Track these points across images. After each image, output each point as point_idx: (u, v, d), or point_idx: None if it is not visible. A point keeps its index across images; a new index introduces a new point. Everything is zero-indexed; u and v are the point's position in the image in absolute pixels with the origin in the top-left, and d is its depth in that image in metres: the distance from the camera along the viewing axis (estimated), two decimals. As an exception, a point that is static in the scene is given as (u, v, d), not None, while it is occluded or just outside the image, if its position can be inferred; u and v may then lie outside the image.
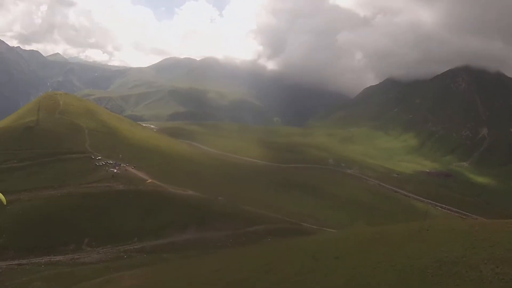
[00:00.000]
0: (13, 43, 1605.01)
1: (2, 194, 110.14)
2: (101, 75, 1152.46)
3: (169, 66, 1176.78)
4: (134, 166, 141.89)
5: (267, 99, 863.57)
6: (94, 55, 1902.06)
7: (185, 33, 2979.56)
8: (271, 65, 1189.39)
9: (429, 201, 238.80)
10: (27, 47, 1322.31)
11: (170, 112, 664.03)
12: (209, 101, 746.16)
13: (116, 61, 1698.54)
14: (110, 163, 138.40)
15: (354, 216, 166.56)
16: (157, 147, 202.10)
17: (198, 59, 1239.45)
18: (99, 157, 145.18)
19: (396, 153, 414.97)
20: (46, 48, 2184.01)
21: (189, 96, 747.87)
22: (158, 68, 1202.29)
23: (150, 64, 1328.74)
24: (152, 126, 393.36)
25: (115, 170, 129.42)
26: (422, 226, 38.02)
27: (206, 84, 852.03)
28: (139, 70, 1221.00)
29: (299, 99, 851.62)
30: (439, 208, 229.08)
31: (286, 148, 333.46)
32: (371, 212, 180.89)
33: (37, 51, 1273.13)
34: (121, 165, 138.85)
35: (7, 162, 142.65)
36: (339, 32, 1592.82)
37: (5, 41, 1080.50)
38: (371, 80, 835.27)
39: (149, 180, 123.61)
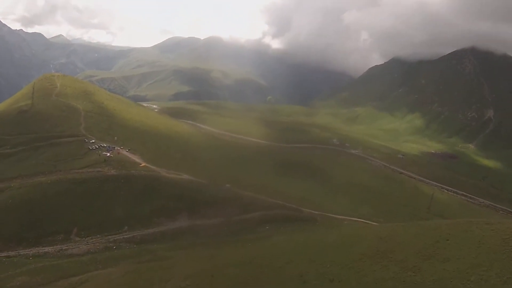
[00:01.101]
0: (16, 26, 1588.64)
1: None
2: (104, 56, 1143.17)
3: (173, 46, 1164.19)
4: (128, 149, 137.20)
5: (272, 78, 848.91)
6: (97, 36, 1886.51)
7: (190, 12, 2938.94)
8: (276, 44, 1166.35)
9: (434, 183, 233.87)
10: (30, 30, 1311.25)
11: (173, 91, 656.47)
12: (213, 81, 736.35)
13: (120, 42, 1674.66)
14: (103, 147, 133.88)
15: (358, 200, 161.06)
16: (155, 129, 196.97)
17: (202, 38, 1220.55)
18: (93, 140, 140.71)
19: (401, 133, 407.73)
20: (49, 30, 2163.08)
21: (192, 75, 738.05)
22: (162, 47, 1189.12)
23: (154, 44, 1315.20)
24: (154, 106, 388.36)
25: (108, 154, 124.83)
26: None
27: (210, 64, 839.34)
28: (142, 50, 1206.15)
29: (303, 79, 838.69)
30: (445, 191, 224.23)
31: (289, 128, 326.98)
32: (376, 196, 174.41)
33: (39, 34, 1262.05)
34: (115, 148, 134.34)
35: (0, 148, 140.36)
36: (346, 11, 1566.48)
37: (7, 24, 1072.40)
38: (376, 60, 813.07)
39: (143, 164, 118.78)
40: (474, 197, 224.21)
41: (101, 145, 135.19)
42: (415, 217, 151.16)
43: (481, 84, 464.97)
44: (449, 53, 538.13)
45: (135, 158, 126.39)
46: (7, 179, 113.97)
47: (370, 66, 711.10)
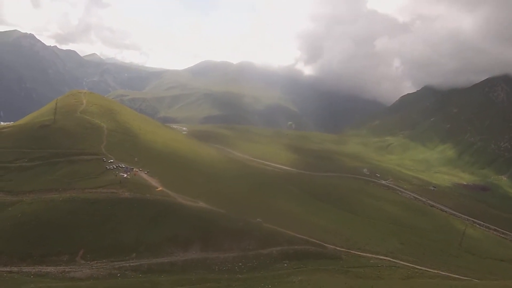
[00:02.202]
0: (50, 42, 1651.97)
1: (8, 194, 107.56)
2: (137, 76, 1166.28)
3: (205, 69, 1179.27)
4: (147, 172, 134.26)
5: (303, 105, 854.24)
6: (130, 57, 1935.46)
7: (223, 36, 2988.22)
8: (308, 71, 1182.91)
9: (466, 217, 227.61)
10: (64, 47, 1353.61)
11: (204, 115, 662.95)
12: (244, 105, 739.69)
13: (153, 63, 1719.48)
14: (121, 167, 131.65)
15: (386, 233, 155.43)
16: (179, 152, 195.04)
17: (234, 63, 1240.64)
18: (111, 160, 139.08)
19: (433, 164, 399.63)
20: (83, 49, 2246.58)
21: (224, 99, 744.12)
22: (194, 71, 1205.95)
23: (186, 67, 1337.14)
24: (184, 128, 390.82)
25: (125, 175, 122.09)
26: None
27: (242, 88, 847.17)
28: (175, 72, 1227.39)
29: (335, 106, 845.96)
30: (477, 226, 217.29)
31: (319, 156, 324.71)
32: (405, 230, 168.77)
33: (73, 51, 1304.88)
34: (133, 169, 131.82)
35: (18, 160, 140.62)
36: (377, 38, 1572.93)
37: (42, 40, 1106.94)
38: (408, 88, 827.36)
39: (159, 188, 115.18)
40: (507, 232, 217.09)
41: (119, 166, 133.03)
42: (446, 253, 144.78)
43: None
44: (481, 81, 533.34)
45: (153, 182, 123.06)
46: (21, 192, 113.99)
47: (402, 94, 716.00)
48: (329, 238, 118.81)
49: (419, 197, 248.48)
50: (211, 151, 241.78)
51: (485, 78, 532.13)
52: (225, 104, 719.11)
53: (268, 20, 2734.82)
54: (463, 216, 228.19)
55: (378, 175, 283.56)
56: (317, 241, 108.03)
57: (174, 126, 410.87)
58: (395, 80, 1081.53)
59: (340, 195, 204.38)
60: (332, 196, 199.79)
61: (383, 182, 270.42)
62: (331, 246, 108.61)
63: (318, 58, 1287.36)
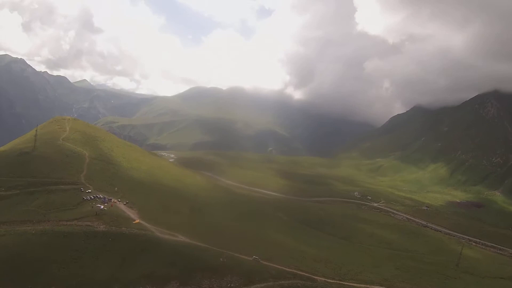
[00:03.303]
0: (41, 68, 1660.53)
1: None
2: (127, 103, 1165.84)
3: (196, 95, 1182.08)
4: (126, 202, 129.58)
5: (293, 129, 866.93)
6: (121, 83, 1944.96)
7: (212, 61, 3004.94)
8: (298, 95, 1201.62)
9: (461, 235, 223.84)
10: (55, 73, 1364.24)
11: (194, 141, 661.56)
12: (235, 131, 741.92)
13: (143, 90, 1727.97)
14: (99, 198, 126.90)
15: (381, 258, 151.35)
16: (162, 180, 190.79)
17: (224, 89, 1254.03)
18: (89, 190, 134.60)
19: (425, 184, 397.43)
20: (74, 74, 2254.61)
21: (214, 125, 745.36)
22: (185, 97, 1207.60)
23: (177, 93, 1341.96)
24: (172, 155, 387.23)
25: (102, 207, 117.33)
26: None
27: (232, 114, 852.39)
28: (165, 98, 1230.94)
29: (325, 129, 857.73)
30: (473, 244, 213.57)
31: (309, 180, 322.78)
32: (400, 254, 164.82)
33: (64, 77, 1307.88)
34: (112, 200, 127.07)
35: None
36: (368, 59, 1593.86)
37: (32, 65, 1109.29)
38: (398, 108, 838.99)
39: (136, 221, 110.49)
40: (505, 248, 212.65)
41: (97, 196, 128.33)
42: (443, 276, 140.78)
43: (505, 127, 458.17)
44: (471, 98, 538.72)
45: (131, 213, 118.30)
46: None
47: (393, 115, 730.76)
48: (320, 268, 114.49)
49: (413, 218, 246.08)
50: (197, 178, 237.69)
51: (475, 94, 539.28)
52: (215, 130, 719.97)
53: (258, 45, 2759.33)
54: (458, 235, 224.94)
55: (370, 198, 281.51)
56: (306, 274, 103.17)
57: (163, 153, 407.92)
58: (386, 101, 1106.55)
59: (331, 221, 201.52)
60: (323, 222, 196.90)
61: (375, 204, 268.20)
62: (321, 279, 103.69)
63: (308, 82, 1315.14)
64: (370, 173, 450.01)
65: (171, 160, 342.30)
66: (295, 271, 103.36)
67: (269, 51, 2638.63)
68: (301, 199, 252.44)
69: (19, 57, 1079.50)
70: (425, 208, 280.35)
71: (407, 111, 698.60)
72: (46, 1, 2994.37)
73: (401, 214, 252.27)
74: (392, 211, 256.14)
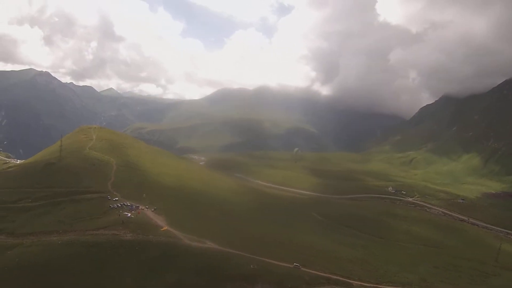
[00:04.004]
0: (66, 79, 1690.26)
1: (9, 236, 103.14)
2: (154, 108, 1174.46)
3: (222, 97, 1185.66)
4: (154, 209, 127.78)
5: (322, 125, 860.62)
6: (148, 89, 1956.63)
7: (237, 62, 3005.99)
8: (325, 91, 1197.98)
9: (499, 228, 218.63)
10: (81, 83, 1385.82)
11: (223, 143, 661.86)
12: (264, 131, 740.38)
13: (170, 94, 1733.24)
14: (126, 205, 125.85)
15: (417, 256, 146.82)
16: (191, 185, 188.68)
17: (251, 89, 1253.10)
18: (116, 198, 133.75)
19: (458, 175, 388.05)
20: (100, 84, 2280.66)
21: (242, 126, 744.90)
22: (211, 99, 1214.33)
23: (203, 96, 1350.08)
24: (202, 158, 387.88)
25: (129, 215, 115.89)
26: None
27: (260, 113, 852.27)
28: (192, 102, 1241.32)
29: (354, 124, 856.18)
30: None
31: (341, 177, 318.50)
32: (436, 251, 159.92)
33: (90, 87, 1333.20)
34: (139, 207, 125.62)
35: (21, 200, 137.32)
36: (391, 50, 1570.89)
37: (58, 77, 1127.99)
38: (426, 99, 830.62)
39: (164, 228, 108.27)
40: None
41: (124, 204, 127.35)
42: (482, 273, 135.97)
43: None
44: (499, 84, 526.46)
45: (158, 220, 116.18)
46: (22, 234, 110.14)
47: (421, 106, 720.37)
48: (355, 271, 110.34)
49: (448, 212, 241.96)
50: (227, 181, 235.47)
51: (503, 80, 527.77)
52: (244, 131, 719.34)
53: (281, 42, 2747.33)
54: (496, 228, 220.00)
55: (404, 193, 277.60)
56: (342, 278, 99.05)
57: (193, 156, 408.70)
58: (413, 92, 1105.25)
59: (366, 218, 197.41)
60: (358, 220, 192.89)
61: (410, 199, 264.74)
62: (357, 283, 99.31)
63: (334, 77, 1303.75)
64: (402, 166, 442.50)
65: (201, 163, 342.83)
66: (330, 275, 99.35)
67: (292, 48, 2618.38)
68: (334, 197, 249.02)
69: (44, 70, 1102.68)
70: (461, 201, 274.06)
71: (435, 101, 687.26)
72: (65, 13, 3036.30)
73: (436, 208, 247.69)
74: (427, 205, 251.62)
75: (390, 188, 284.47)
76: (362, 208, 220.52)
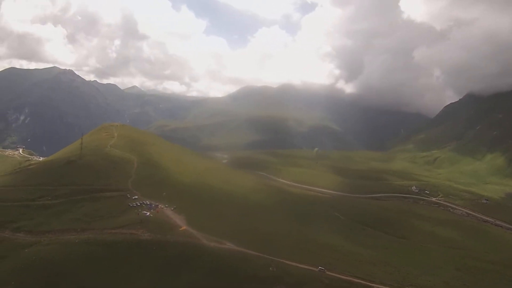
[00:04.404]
0: (90, 77, 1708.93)
1: (28, 233, 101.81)
2: (178, 106, 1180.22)
3: (246, 95, 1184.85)
4: (174, 208, 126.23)
5: (346, 123, 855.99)
6: (172, 87, 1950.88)
7: (260, 60, 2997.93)
8: (349, 88, 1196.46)
9: None
10: (105, 81, 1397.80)
11: (247, 140, 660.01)
12: (287, 128, 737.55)
13: (194, 92, 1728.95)
14: (145, 204, 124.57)
15: (439, 258, 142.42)
16: (212, 183, 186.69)
17: (274, 86, 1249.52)
18: (135, 197, 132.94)
19: (482, 175, 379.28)
20: (124, 81, 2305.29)
21: (266, 124, 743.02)
22: (235, 97, 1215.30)
23: (227, 94, 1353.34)
24: (225, 156, 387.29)
25: (148, 213, 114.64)
26: None
27: (284, 111, 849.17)
28: (216, 100, 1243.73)
29: (378, 122, 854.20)
30: None
31: (364, 176, 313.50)
32: (460, 253, 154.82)
33: (114, 84, 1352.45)
34: (158, 206, 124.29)
35: (41, 198, 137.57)
36: (416, 48, 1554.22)
37: (81, 75, 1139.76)
38: (450, 97, 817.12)
39: (183, 227, 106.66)
40: None
41: (143, 202, 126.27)
42: (506, 277, 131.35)
43: None
44: None
45: (177, 219, 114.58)
46: (40, 232, 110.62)
47: (445, 104, 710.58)
48: (377, 273, 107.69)
49: (472, 213, 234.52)
50: (249, 179, 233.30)
51: None
52: (267, 128, 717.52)
53: (304, 40, 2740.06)
54: None
55: (427, 192, 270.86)
56: (363, 282, 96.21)
57: (216, 154, 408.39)
58: (437, 90, 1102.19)
59: (389, 219, 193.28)
60: (380, 220, 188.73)
61: (433, 199, 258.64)
62: (379, 286, 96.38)
63: (358, 75, 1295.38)
64: (426, 165, 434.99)
65: (224, 161, 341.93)
66: (351, 278, 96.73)
67: (316, 46, 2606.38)
68: (357, 196, 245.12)
69: (68, 69, 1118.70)
70: (485, 201, 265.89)
71: (459, 99, 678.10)
72: (88, 12, 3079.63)
73: (460, 208, 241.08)
74: (451, 205, 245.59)
75: (413, 188, 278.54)
76: (385, 207, 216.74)
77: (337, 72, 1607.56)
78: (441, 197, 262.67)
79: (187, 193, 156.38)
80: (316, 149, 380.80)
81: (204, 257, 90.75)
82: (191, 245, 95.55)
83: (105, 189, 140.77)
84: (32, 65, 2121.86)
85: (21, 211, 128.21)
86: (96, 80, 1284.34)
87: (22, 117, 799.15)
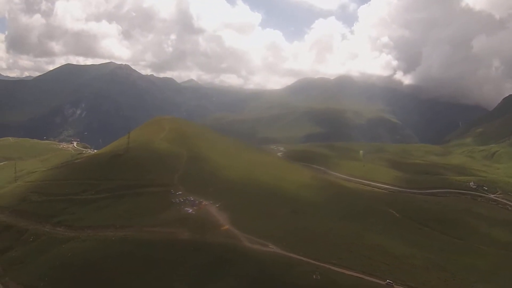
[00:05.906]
0: (147, 71, 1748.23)
1: (67, 228, 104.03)
2: (235, 99, 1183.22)
3: (303, 87, 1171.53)
4: (218, 204, 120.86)
5: (404, 116, 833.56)
6: (229, 80, 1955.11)
7: (318, 52, 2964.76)
8: (407, 80, 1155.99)
9: None
10: (162, 75, 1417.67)
11: (304, 133, 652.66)
12: (345, 121, 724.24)
13: (251, 85, 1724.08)
14: (189, 200, 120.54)
15: (496, 264, 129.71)
16: (263, 178, 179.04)
17: (332, 78, 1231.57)
18: (180, 192, 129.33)
19: None
20: (181, 75, 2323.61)
21: (323, 116, 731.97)
22: (292, 89, 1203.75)
23: (284, 86, 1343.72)
24: (281, 149, 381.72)
25: (190, 210, 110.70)
26: None
27: (342, 103, 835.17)
28: (273, 92, 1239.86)
29: (436, 114, 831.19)
30: None
31: (421, 170, 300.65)
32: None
33: (170, 78, 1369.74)
34: (202, 202, 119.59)
35: (84, 192, 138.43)
36: (475, 38, 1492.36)
37: (138, 70, 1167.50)
38: (510, 89, 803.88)
39: (225, 227, 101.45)
40: None
41: (187, 198, 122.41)
42: None
43: None
44: None
45: (221, 218, 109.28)
46: (79, 227, 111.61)
47: (504, 96, 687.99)
48: (431, 280, 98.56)
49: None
50: (302, 174, 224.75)
51: None
52: (325, 121, 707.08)
53: (361, 31, 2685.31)
54: None
55: (486, 188, 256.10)
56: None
57: (272, 146, 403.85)
58: (497, 81, 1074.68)
59: (445, 217, 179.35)
60: (436, 218, 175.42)
61: (491, 196, 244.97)
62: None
63: (416, 66, 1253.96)
64: (484, 160, 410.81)
65: (279, 154, 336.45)
66: (399, 286, 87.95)
67: (373, 37, 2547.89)
68: (414, 191, 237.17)
69: (124, 63, 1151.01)
70: None
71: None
72: (143, 8, 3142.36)
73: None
74: (510, 203, 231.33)
75: (472, 184, 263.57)
76: (442, 204, 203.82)
77: (395, 63, 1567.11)
78: (500, 194, 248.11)
79: (234, 189, 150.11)
80: (361, 151, 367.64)
81: (243, 261, 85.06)
82: (232, 247, 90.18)
83: (150, 184, 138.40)
84: (89, 61, 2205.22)
85: (63, 205, 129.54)
86: (152, 74, 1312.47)
87: (78, 111, 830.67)
